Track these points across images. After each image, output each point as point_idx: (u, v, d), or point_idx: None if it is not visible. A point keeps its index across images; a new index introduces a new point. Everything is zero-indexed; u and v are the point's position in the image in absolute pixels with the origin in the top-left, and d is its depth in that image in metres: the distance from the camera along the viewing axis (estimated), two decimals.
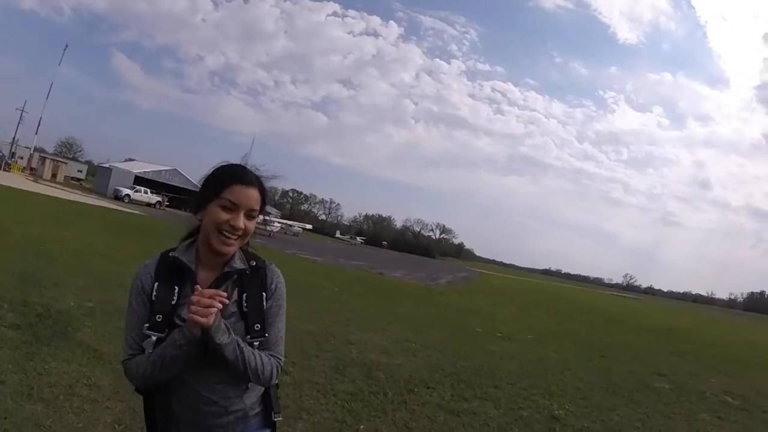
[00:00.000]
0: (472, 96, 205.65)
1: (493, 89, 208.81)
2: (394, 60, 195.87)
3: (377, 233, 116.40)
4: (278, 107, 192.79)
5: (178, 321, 1.42)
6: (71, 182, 57.05)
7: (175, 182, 60.35)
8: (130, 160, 66.65)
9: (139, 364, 1.44)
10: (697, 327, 23.81)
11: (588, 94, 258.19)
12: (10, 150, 51.16)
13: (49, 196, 26.84)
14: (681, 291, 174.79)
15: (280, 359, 1.55)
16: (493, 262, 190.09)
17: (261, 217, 1.56)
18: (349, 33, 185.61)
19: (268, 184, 1.54)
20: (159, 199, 51.75)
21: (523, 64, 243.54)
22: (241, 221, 1.43)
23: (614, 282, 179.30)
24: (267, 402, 1.60)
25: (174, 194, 58.49)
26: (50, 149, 75.53)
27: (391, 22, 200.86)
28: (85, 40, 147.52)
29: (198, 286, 1.41)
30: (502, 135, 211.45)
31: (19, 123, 54.34)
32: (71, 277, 7.30)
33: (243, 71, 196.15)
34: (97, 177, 57.86)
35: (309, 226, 56.22)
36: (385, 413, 4.33)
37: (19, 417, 3.04)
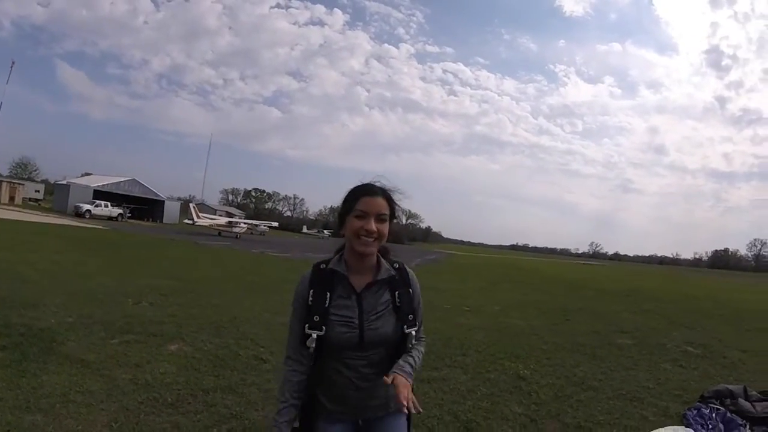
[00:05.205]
0: (423, 79, 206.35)
1: (444, 71, 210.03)
2: (342, 48, 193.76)
3: None
4: (229, 105, 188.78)
5: (332, 317, 1.69)
6: (30, 203, 54.81)
7: (135, 192, 58.94)
8: (87, 174, 64.54)
9: (282, 383, 1.79)
10: (660, 286, 24.51)
11: (538, 69, 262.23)
12: None
13: (9, 219, 25.94)
14: (647, 255, 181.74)
15: (423, 338, 1.92)
16: (461, 242, 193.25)
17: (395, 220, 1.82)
18: (294, 24, 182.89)
19: (395, 195, 1.79)
20: (120, 211, 50.37)
21: (472, 43, 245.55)
22: (373, 225, 1.67)
23: (581, 251, 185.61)
24: None
25: (135, 205, 57.20)
26: (4, 172, 72.40)
27: (336, 9, 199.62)
28: (27, 53, 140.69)
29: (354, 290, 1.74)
30: (457, 115, 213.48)
31: None
32: (47, 297, 7.30)
33: (190, 71, 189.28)
34: (56, 195, 55.50)
35: (275, 224, 55.49)
36: None
37: (21, 428, 3.18)
